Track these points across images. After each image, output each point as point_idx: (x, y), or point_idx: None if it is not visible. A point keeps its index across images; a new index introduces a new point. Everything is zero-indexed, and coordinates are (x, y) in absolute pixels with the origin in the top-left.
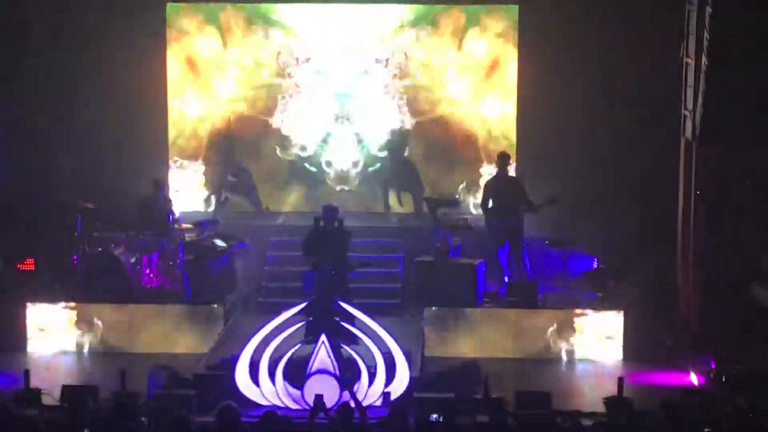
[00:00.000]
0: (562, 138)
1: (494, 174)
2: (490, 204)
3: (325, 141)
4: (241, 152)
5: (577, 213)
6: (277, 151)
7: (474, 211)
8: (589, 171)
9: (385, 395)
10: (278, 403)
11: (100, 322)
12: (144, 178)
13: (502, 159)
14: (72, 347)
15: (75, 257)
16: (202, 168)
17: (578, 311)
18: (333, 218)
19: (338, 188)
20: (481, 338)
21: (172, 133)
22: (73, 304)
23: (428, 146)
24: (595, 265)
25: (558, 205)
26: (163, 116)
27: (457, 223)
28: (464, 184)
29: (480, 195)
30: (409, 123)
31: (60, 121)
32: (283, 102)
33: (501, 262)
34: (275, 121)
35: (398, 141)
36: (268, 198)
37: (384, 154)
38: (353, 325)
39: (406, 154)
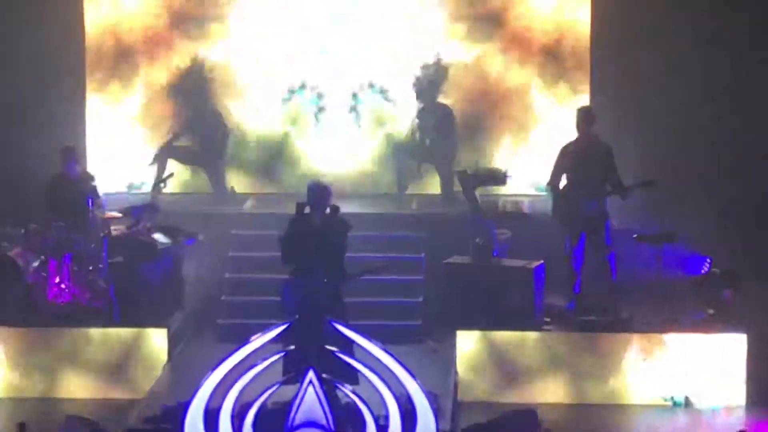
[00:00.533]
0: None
1: (573, 139)
2: (564, 180)
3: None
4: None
5: (674, 200)
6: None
7: (531, 192)
8: (690, 149)
9: None
10: None
11: None
12: (51, 147)
13: (584, 116)
14: None
15: None
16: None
17: (679, 335)
18: (323, 203)
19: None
20: (538, 375)
21: (91, 56)
22: None
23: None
24: (704, 269)
25: (653, 191)
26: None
27: (506, 208)
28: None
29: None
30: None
31: None
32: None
33: (573, 264)
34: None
35: (432, 79)
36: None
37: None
38: (353, 356)
39: (438, 100)
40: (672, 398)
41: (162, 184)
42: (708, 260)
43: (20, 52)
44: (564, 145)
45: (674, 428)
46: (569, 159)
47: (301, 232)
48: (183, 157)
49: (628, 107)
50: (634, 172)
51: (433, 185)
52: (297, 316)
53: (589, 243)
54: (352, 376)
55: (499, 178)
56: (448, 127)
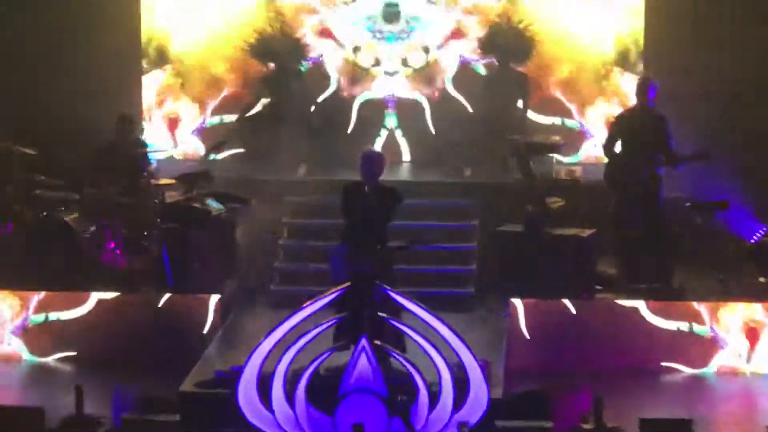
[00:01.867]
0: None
1: (630, 107)
2: (618, 148)
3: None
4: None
5: (723, 171)
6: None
7: (582, 159)
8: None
9: (454, 424)
10: None
11: (44, 318)
12: (109, 113)
13: (643, 86)
14: (4, 353)
15: (9, 225)
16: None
17: (733, 304)
18: (376, 172)
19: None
20: (591, 343)
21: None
22: (5, 292)
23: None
24: (756, 237)
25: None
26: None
27: (559, 176)
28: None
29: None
30: None
31: None
32: None
33: (624, 230)
34: None
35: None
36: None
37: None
38: (406, 324)
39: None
40: None
41: (214, 150)
42: (763, 229)
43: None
44: (620, 112)
45: (728, 395)
46: (623, 126)
47: (352, 200)
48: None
49: (680, 80)
50: (692, 143)
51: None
52: (349, 284)
53: (642, 210)
54: (403, 343)
55: (552, 146)
56: (522, 94)
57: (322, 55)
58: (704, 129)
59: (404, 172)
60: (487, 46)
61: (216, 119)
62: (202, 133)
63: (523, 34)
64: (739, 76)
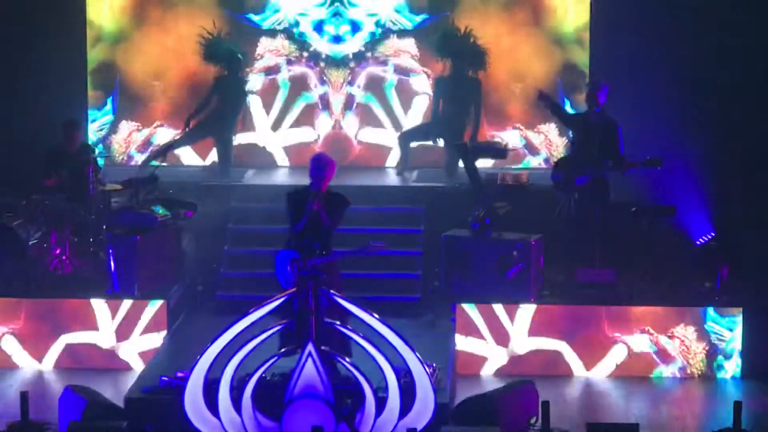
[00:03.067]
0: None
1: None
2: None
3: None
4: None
5: (670, 175)
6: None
7: (532, 164)
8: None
9: (400, 429)
10: None
11: None
12: (54, 119)
13: (594, 89)
14: None
15: None
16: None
17: (678, 308)
18: (324, 176)
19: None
20: (538, 348)
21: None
22: None
23: None
24: (703, 241)
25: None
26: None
27: (506, 181)
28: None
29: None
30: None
31: None
32: None
33: (568, 232)
34: None
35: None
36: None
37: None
38: (351, 329)
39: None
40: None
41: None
42: (710, 234)
43: (22, 24)
44: (574, 113)
45: (673, 398)
46: (573, 133)
47: (298, 206)
48: (198, 134)
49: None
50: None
51: (432, 157)
52: (294, 290)
53: (589, 215)
54: (349, 348)
55: (498, 150)
56: (474, 98)
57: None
58: (659, 134)
59: (351, 177)
60: (441, 47)
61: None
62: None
63: (476, 42)
64: (694, 79)
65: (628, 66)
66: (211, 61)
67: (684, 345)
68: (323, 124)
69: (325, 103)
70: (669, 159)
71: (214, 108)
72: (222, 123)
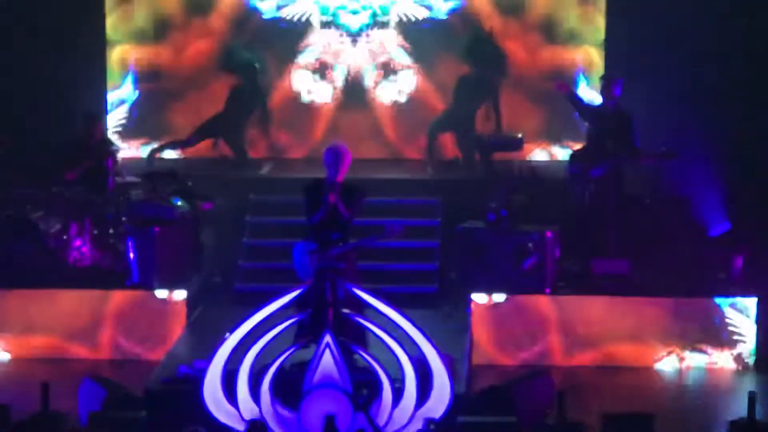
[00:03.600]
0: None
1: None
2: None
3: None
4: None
5: (682, 168)
6: None
7: (544, 157)
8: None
9: (417, 419)
10: None
11: (10, 316)
12: (75, 111)
13: (609, 82)
14: None
15: None
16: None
17: (693, 299)
18: (340, 167)
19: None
20: (553, 339)
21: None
22: None
23: None
24: (718, 231)
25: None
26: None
27: (520, 172)
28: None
29: None
30: None
31: None
32: None
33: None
34: None
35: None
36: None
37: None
38: (368, 320)
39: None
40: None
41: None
42: (726, 227)
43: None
44: (590, 106)
45: (688, 390)
46: (588, 125)
47: (315, 198)
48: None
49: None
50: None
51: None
52: (312, 281)
53: (605, 206)
54: (366, 339)
55: (513, 143)
56: (493, 96)
57: None
58: (675, 128)
59: (367, 169)
60: (466, 50)
61: None
62: None
63: (498, 45)
64: (710, 71)
65: (642, 58)
66: (227, 71)
67: (698, 335)
68: None
69: None
70: (684, 151)
71: (225, 112)
72: (229, 127)
